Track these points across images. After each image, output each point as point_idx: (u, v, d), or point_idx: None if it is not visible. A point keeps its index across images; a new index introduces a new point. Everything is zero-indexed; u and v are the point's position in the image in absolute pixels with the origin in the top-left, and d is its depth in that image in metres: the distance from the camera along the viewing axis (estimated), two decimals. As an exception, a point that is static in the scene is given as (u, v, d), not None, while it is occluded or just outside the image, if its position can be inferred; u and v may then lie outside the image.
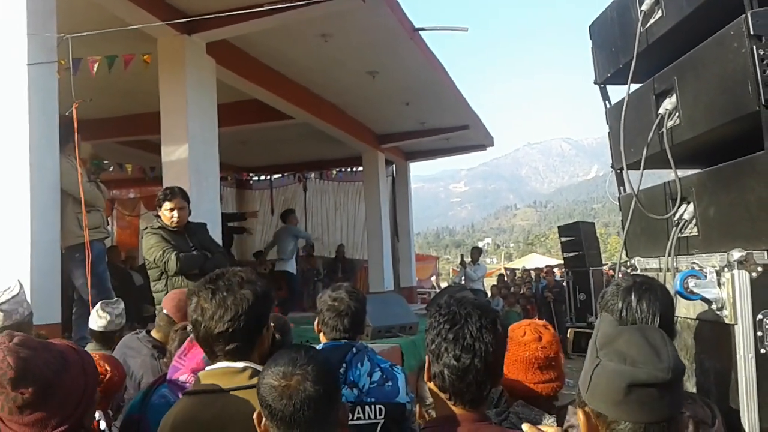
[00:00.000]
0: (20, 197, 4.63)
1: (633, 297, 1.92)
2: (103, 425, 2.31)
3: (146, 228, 4.92)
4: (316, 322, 2.56)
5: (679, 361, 1.31)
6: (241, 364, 1.79)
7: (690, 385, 2.33)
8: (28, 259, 4.56)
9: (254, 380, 1.75)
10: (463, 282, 13.05)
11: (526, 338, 2.14)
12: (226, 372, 1.79)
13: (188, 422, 1.76)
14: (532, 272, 19.12)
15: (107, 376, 2.51)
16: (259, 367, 1.80)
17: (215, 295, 1.78)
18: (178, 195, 4.83)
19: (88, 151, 6.06)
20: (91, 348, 3.61)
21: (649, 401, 1.24)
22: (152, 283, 4.84)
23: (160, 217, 4.87)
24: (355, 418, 2.21)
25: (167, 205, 4.80)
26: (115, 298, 4.06)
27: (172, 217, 4.79)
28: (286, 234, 10.99)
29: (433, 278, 26.91)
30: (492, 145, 14.63)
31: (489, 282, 17.43)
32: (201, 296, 1.80)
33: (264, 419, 1.54)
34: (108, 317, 3.75)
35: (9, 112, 4.71)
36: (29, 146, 4.65)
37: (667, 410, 1.27)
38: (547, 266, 18.75)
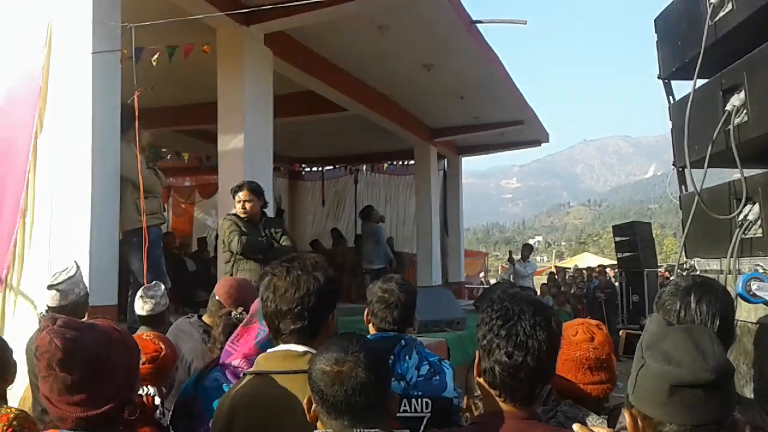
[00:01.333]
0: (82, 182, 4.78)
1: (692, 298, 1.85)
2: (157, 401, 2.37)
3: (226, 215, 5.42)
4: (365, 313, 2.56)
5: (726, 362, 1.26)
6: (302, 348, 1.81)
7: (748, 391, 2.25)
8: (88, 241, 4.70)
9: None
10: (512, 279, 12.91)
11: (578, 338, 2.09)
12: (287, 355, 1.82)
13: (247, 403, 1.80)
14: (584, 272, 18.79)
15: (162, 354, 2.56)
16: None
17: (290, 273, 1.83)
18: (245, 188, 5.26)
19: (147, 139, 6.23)
20: (143, 331, 3.69)
21: (695, 403, 1.20)
22: (223, 265, 5.42)
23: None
24: (401, 411, 2.20)
25: (237, 197, 5.28)
26: (154, 282, 4.15)
27: (240, 207, 5.25)
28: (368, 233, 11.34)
29: (482, 274, 26.72)
30: (547, 141, 14.38)
31: (539, 280, 17.20)
32: (276, 274, 1.85)
33: (314, 405, 1.55)
34: (153, 300, 3.83)
35: (74, 99, 4.86)
36: (92, 132, 4.80)
37: (714, 413, 1.22)
38: (599, 266, 18.37)
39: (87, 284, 4.13)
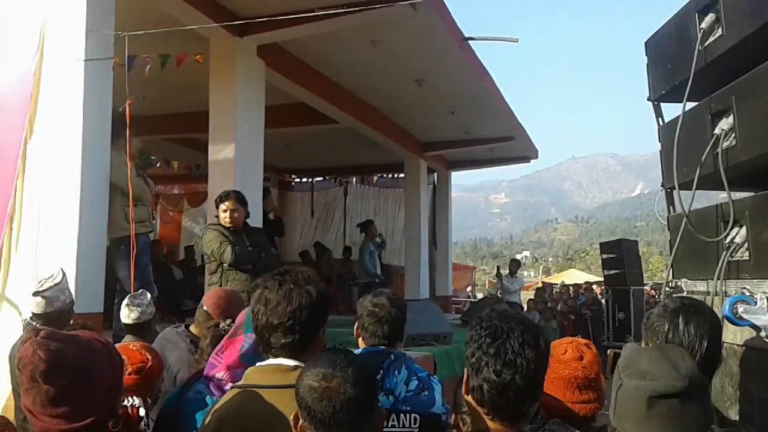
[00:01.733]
0: (71, 189, 4.75)
1: (681, 319, 1.87)
2: (142, 412, 2.35)
3: (208, 225, 5.31)
4: (355, 327, 2.56)
5: (697, 373, 1.30)
6: (293, 363, 1.81)
7: (733, 413, 2.27)
8: (75, 248, 4.67)
9: None
10: (499, 294, 12.92)
11: (567, 356, 2.10)
12: (277, 369, 1.81)
13: (235, 416, 1.78)
14: (571, 288, 18.85)
15: (148, 364, 2.54)
16: None
17: (282, 287, 1.82)
18: (232, 197, 5.15)
19: (137, 146, 6.21)
20: (128, 341, 3.66)
21: (673, 414, 1.24)
22: (208, 277, 5.21)
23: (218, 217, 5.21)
24: (389, 426, 2.19)
25: (222, 206, 5.15)
26: (141, 290, 4.14)
27: (226, 217, 5.12)
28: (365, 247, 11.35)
29: (469, 288, 26.74)
30: (536, 157, 14.47)
31: (526, 295, 17.22)
32: (267, 287, 1.85)
33: (301, 421, 1.54)
34: (139, 309, 3.81)
35: (65, 106, 4.84)
36: (83, 139, 4.78)
37: (692, 423, 1.25)
38: (586, 283, 18.43)
39: (73, 291, 4.10)
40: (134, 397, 2.35)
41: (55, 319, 3.11)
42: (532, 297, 16.06)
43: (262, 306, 1.83)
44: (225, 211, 5.13)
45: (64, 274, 3.45)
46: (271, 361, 1.84)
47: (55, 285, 3.36)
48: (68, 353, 1.51)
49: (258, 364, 1.88)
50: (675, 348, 1.45)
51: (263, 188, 10.26)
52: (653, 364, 1.32)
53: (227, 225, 5.13)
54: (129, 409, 2.29)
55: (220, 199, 5.18)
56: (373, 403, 1.54)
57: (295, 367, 1.79)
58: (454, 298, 17.72)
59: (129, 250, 5.22)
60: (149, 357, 2.60)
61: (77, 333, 1.66)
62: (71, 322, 3.50)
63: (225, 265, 5.03)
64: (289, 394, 1.71)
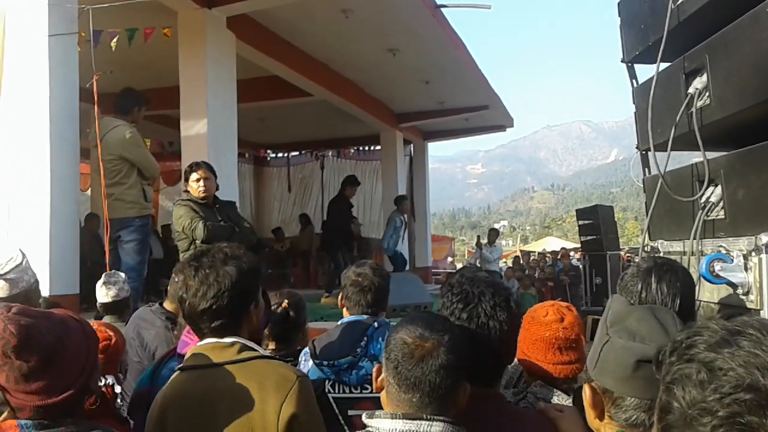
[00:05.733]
0: (40, 168, 4.66)
1: (653, 278, 1.89)
2: (118, 389, 2.33)
3: (177, 200, 5.05)
4: (339, 297, 2.56)
5: None
6: (229, 339, 1.78)
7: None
8: (47, 229, 4.60)
9: (243, 354, 1.75)
10: (478, 263, 13.01)
11: (548, 318, 2.11)
12: (215, 347, 1.78)
13: (178, 397, 1.76)
14: (548, 255, 19.02)
15: (112, 341, 2.54)
16: (249, 342, 1.80)
17: (198, 272, 1.77)
18: (203, 166, 4.91)
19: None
20: (107, 320, 3.63)
21: (656, 378, 1.24)
22: (181, 255, 4.93)
23: (188, 191, 4.95)
24: (372, 390, 2.20)
25: (194, 176, 4.87)
26: (113, 270, 4.12)
27: (199, 187, 4.86)
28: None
29: (450, 260, 26.91)
30: (511, 126, 14.50)
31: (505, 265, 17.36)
32: (186, 273, 1.79)
33: (384, 373, 1.51)
34: (116, 286, 3.79)
35: (30, 83, 4.73)
36: (49, 117, 4.68)
37: None
38: (562, 249, 18.61)
39: (47, 273, 4.03)
40: (107, 376, 2.33)
41: (22, 300, 3.03)
42: (510, 266, 16.20)
43: (184, 293, 1.79)
44: (197, 180, 4.87)
45: (23, 254, 3.37)
46: (208, 340, 1.81)
47: (17, 266, 3.28)
48: (40, 328, 1.49)
49: (197, 344, 1.84)
50: (666, 310, 1.44)
51: (350, 177, 10.11)
52: (643, 324, 1.31)
53: (201, 196, 4.87)
54: (104, 388, 2.27)
55: (191, 169, 4.92)
56: (460, 376, 1.47)
57: (233, 343, 1.77)
58: (434, 269, 17.82)
59: (144, 226, 5.62)
60: (111, 334, 2.61)
61: (50, 310, 1.63)
62: (39, 301, 3.45)
63: (197, 241, 4.76)
64: (229, 371, 1.71)
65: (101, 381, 2.24)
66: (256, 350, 1.80)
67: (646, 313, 1.36)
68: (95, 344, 1.65)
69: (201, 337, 1.83)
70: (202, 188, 4.86)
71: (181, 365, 1.85)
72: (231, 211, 5.16)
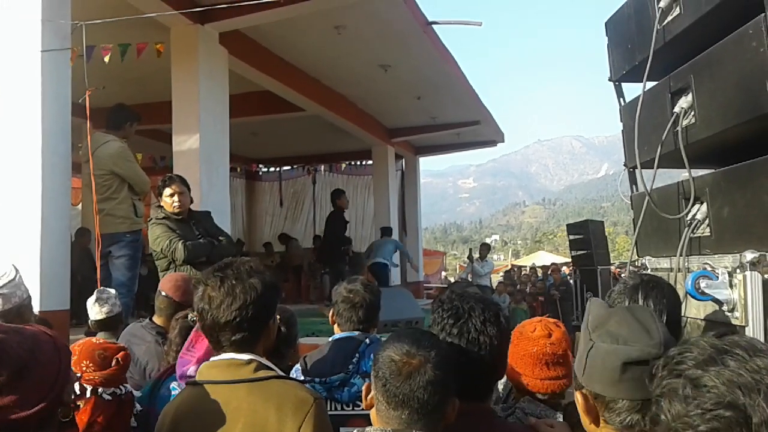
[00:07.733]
0: (31, 183, 4.65)
1: (640, 295, 1.92)
2: (137, 394, 2.36)
3: (151, 219, 4.78)
4: (330, 314, 2.57)
5: (669, 337, 1.33)
6: (246, 357, 1.76)
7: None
8: (38, 244, 4.58)
9: (260, 373, 1.74)
10: (470, 278, 13.03)
11: (536, 334, 2.13)
12: (231, 363, 1.76)
13: (190, 413, 1.74)
14: (539, 270, 19.07)
15: (126, 351, 2.55)
16: (265, 361, 1.79)
17: (224, 283, 1.75)
18: (177, 180, 4.70)
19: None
20: (101, 337, 3.62)
21: (644, 378, 1.26)
22: (160, 274, 4.68)
23: (162, 207, 4.75)
24: (363, 408, 2.21)
25: (167, 191, 4.66)
26: (102, 287, 4.11)
27: (173, 202, 4.65)
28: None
29: (443, 274, 26.89)
30: (503, 141, 14.58)
31: (496, 278, 17.39)
32: (209, 284, 1.77)
33: (373, 391, 1.52)
34: (109, 302, 3.78)
35: (23, 99, 4.73)
36: (42, 132, 4.68)
37: None
38: (553, 264, 18.66)
39: (38, 289, 4.02)
40: (124, 386, 2.34)
41: (15, 315, 3.03)
42: (502, 280, 16.23)
43: (206, 305, 1.76)
44: (171, 195, 4.63)
45: (17, 270, 3.37)
46: (225, 355, 1.79)
47: (10, 281, 3.27)
48: (10, 343, 1.49)
49: (212, 358, 1.83)
50: (644, 309, 1.48)
51: (336, 190, 10.25)
52: (624, 326, 1.34)
53: (175, 211, 4.64)
54: (124, 396, 2.29)
55: (164, 184, 4.68)
56: (448, 391, 1.48)
57: (250, 361, 1.75)
58: (425, 284, 17.81)
59: (135, 241, 5.59)
60: (122, 344, 2.61)
61: (22, 326, 1.64)
62: (32, 318, 3.44)
63: (177, 263, 4.57)
64: (245, 389, 1.70)
65: (120, 390, 2.27)
66: (272, 369, 1.79)
67: (626, 314, 1.39)
68: (67, 357, 1.65)
69: (219, 350, 1.81)
70: (176, 203, 4.65)
71: (196, 380, 1.82)
72: (207, 223, 4.94)
